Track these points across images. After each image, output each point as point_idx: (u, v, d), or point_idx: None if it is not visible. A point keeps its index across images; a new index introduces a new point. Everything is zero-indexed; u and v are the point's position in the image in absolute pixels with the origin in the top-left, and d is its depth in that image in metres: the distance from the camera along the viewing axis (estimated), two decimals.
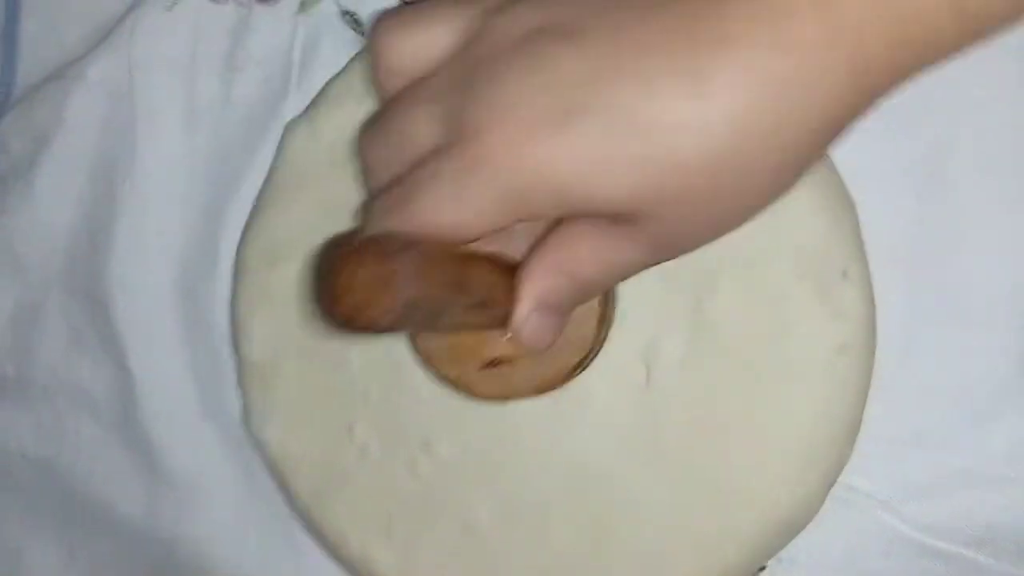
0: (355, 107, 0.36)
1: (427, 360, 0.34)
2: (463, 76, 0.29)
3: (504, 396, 0.35)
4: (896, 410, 0.35)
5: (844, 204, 0.34)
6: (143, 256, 0.41)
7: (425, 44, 0.30)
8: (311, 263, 0.36)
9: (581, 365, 0.34)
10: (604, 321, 0.35)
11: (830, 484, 0.35)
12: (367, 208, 0.31)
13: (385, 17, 0.31)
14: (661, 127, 0.26)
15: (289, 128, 0.39)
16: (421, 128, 0.29)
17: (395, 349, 0.36)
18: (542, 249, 0.30)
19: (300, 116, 0.39)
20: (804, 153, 0.27)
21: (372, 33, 0.31)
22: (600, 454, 0.35)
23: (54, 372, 0.42)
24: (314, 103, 0.39)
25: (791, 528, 0.35)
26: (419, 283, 0.29)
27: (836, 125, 0.27)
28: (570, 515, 0.35)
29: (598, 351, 0.35)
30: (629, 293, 0.35)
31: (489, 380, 0.34)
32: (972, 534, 0.35)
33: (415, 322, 0.31)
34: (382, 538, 0.37)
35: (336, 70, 0.39)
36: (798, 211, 0.34)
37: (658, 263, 0.30)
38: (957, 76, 0.34)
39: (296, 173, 0.39)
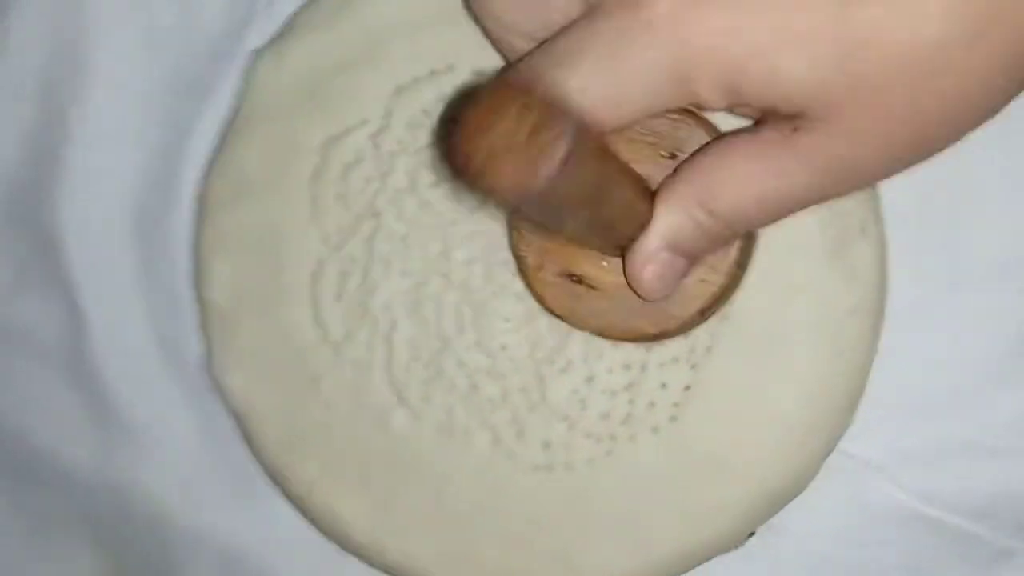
0: (327, 35, 0.34)
1: (513, 225, 0.29)
2: None
3: (567, 316, 0.30)
4: (899, 376, 0.34)
5: None
6: (96, 189, 0.39)
7: None
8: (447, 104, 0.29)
9: (685, 326, 0.29)
10: (733, 276, 0.29)
11: (828, 452, 0.33)
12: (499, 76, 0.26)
13: None
14: (868, 1, 0.23)
15: (255, 57, 0.37)
16: None
17: (374, 298, 0.34)
18: (684, 172, 0.26)
19: (268, 44, 0.37)
20: (1018, 64, 0.24)
21: None
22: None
23: None
24: (283, 30, 0.37)
25: (784, 496, 0.33)
26: (573, 166, 0.21)
27: None
28: (553, 481, 0.34)
29: (717, 308, 0.29)
30: None
31: (560, 290, 0.29)
32: (972, 505, 0.34)
33: (543, 213, 0.25)
34: (353, 494, 0.35)
35: None
36: None
37: (825, 198, 0.26)
38: None
39: (264, 105, 0.36)
